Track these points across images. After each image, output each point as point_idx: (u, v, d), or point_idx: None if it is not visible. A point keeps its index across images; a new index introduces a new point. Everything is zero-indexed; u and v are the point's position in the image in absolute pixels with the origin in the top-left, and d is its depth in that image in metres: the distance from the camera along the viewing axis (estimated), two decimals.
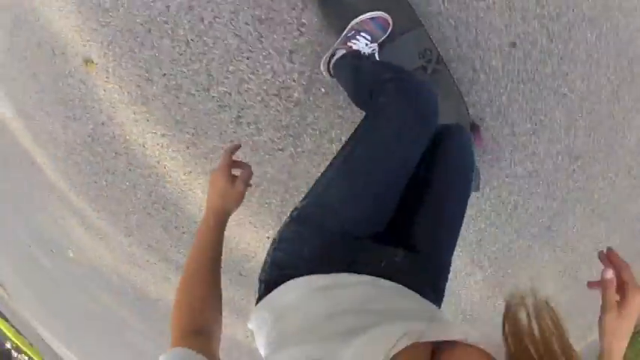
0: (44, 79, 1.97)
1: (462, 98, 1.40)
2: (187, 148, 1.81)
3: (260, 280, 0.79)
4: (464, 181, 0.93)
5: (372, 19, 1.22)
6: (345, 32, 1.24)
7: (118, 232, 2.50)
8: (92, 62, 1.77)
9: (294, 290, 0.71)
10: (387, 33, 1.26)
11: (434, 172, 0.89)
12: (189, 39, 1.55)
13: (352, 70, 1.14)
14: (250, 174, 0.85)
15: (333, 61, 1.26)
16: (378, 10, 1.21)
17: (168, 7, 1.48)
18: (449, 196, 0.90)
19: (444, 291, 0.87)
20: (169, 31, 1.54)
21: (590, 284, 0.63)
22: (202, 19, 1.49)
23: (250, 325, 0.75)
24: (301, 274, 0.72)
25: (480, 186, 1.67)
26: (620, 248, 0.63)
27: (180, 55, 1.60)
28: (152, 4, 1.49)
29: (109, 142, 2.01)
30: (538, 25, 1.42)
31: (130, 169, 2.07)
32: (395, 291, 0.72)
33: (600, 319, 0.58)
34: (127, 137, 1.93)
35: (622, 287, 0.58)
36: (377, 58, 1.26)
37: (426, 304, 0.73)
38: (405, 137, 0.80)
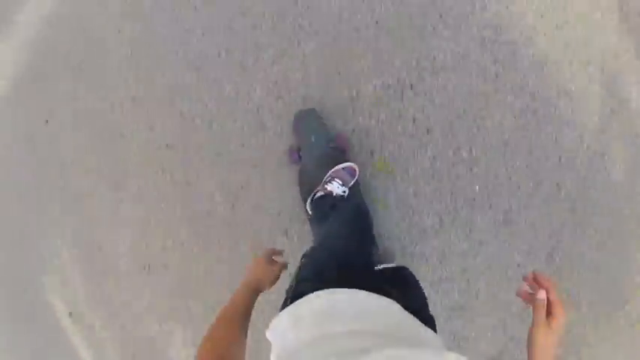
0: None
1: None
2: None
3: (284, 303, 0.85)
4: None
5: (343, 168, 1.60)
6: (324, 179, 1.61)
7: None
8: None
9: (316, 299, 0.78)
10: (355, 178, 1.63)
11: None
12: None
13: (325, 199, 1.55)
14: (286, 264, 1.03)
15: (314, 199, 1.59)
16: (347, 162, 1.61)
17: None
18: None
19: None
20: None
21: (521, 294, 0.71)
22: None
23: (268, 334, 0.78)
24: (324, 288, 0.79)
25: None
26: None
27: None
28: None
29: None
30: None
31: None
32: (401, 316, 0.79)
33: (530, 334, 0.66)
34: None
35: (549, 305, 0.67)
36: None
37: (424, 330, 0.80)
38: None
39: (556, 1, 1.64)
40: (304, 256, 1.05)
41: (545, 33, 1.65)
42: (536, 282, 0.70)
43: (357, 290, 0.79)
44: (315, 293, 0.78)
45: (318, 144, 1.67)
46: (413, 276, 1.39)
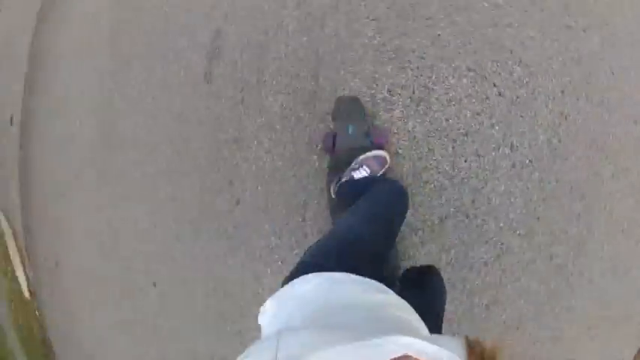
0: None
1: None
2: None
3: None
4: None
5: (374, 156, 1.53)
6: (351, 165, 1.55)
7: None
8: None
9: (310, 282, 0.77)
10: (384, 169, 1.54)
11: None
12: None
13: (351, 185, 1.47)
14: None
15: (339, 183, 1.53)
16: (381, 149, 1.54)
17: None
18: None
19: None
20: None
21: None
22: None
23: (260, 318, 0.78)
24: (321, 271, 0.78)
25: None
26: None
27: None
28: None
29: None
30: None
31: None
32: (396, 305, 0.76)
33: None
34: None
35: None
36: None
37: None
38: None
39: None
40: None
41: None
42: None
43: (351, 275, 0.77)
44: (309, 276, 0.78)
45: (354, 137, 1.63)
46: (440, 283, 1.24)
